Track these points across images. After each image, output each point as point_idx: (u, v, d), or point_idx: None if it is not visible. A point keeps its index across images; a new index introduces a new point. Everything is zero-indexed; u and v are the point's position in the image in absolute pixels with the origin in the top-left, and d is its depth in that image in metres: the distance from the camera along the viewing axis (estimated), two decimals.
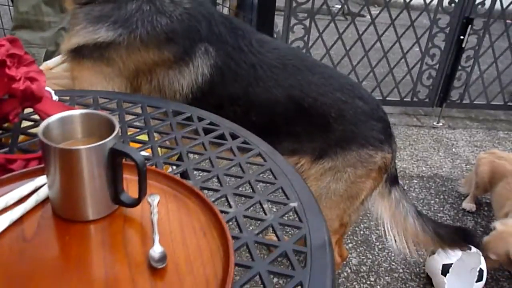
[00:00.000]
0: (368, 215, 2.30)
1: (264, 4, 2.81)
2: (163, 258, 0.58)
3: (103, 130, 0.64)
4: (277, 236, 0.69)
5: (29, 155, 0.74)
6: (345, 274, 1.96)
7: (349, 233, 2.19)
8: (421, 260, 2.05)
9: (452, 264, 1.77)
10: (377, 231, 2.21)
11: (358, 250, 2.10)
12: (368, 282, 1.93)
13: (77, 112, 0.66)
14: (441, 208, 2.45)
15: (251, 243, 0.66)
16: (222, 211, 0.69)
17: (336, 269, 1.80)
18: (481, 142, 3.19)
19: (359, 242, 2.15)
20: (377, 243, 2.15)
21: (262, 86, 1.28)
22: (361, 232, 2.21)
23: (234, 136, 0.94)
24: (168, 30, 1.18)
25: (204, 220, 0.66)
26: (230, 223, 0.70)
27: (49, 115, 0.85)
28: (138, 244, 0.62)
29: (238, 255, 0.64)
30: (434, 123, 3.36)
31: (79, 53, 1.20)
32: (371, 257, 2.07)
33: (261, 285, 0.60)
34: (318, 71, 1.35)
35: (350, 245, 2.12)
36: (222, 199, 0.76)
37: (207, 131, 0.94)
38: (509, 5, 3.06)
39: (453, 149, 3.06)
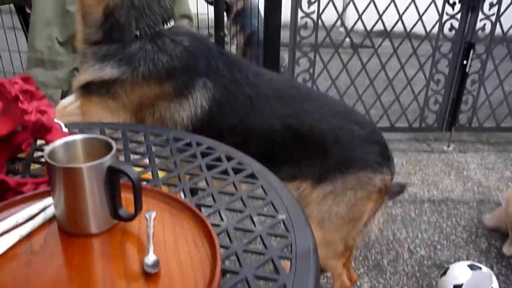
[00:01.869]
0: (380, 240, 2.31)
1: (270, 40, 2.94)
2: (155, 264, 0.63)
3: (103, 152, 0.71)
4: (264, 244, 0.74)
5: (39, 179, 0.82)
6: None
7: (360, 258, 2.20)
8: (434, 283, 2.04)
9: (463, 284, 1.77)
10: (389, 255, 2.22)
11: (370, 274, 2.11)
12: None
13: (79, 136, 0.73)
14: (453, 231, 2.44)
15: (240, 252, 0.71)
16: (214, 224, 0.75)
17: None
18: (493, 165, 3.19)
19: (371, 267, 2.16)
20: (389, 267, 2.15)
21: (259, 116, 1.35)
22: (373, 257, 2.22)
23: (229, 158, 1.00)
24: (169, 67, 1.28)
25: (196, 232, 0.72)
26: (222, 234, 0.75)
27: None
28: (135, 254, 0.68)
29: (228, 264, 0.69)
30: (444, 148, 3.38)
31: (87, 90, 1.31)
32: (382, 281, 2.07)
33: None
34: (313, 98, 1.42)
35: (361, 270, 2.13)
36: (216, 214, 0.81)
37: (204, 155, 1.01)
38: (510, 28, 3.11)
39: (465, 172, 3.06)
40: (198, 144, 1.05)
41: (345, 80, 3.19)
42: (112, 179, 0.69)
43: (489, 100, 3.31)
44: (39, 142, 1.03)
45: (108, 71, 1.27)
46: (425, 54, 3.14)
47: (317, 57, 3.02)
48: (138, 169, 0.94)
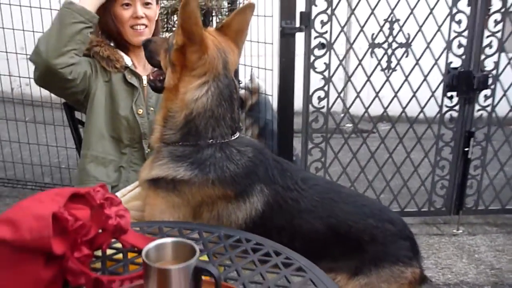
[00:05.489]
0: None
1: (283, 131, 3.16)
2: None
3: (187, 253, 0.86)
4: None
5: (124, 276, 0.96)
6: None
7: None
8: None
9: None
10: None
11: None
12: None
13: (169, 240, 0.88)
14: None
15: None
16: None
17: None
18: (503, 246, 3.27)
19: None
20: None
21: (304, 218, 1.51)
22: None
23: (277, 253, 1.14)
24: (234, 174, 1.45)
25: None
26: None
27: (131, 244, 1.08)
28: None
29: None
30: (454, 231, 3.48)
31: (155, 183, 1.46)
32: None
33: None
34: (352, 201, 1.59)
35: None
36: None
37: (255, 250, 1.15)
38: (507, 115, 3.35)
39: (476, 255, 3.15)
40: (248, 241, 1.20)
41: (355, 166, 3.36)
42: (196, 277, 0.83)
43: (492, 184, 3.47)
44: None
45: (182, 172, 1.42)
46: (428, 137, 3.33)
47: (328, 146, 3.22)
48: None
